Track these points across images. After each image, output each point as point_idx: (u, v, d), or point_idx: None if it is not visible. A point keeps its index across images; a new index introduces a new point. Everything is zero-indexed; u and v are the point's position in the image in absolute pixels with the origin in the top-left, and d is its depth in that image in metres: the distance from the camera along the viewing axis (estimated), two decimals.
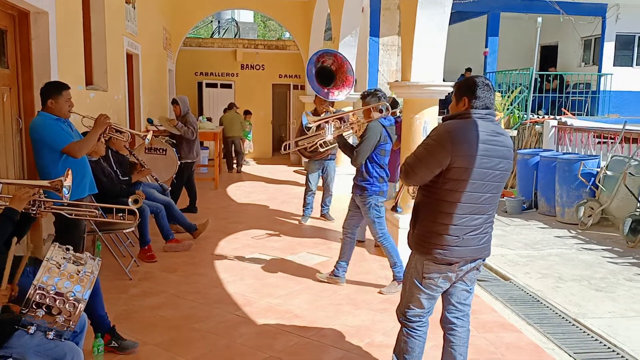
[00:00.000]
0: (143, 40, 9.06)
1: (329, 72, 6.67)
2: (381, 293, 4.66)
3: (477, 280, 5.08)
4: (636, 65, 14.57)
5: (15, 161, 4.62)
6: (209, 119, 11.65)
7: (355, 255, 5.77)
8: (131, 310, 4.16)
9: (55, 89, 3.89)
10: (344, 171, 9.42)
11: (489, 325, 4.05)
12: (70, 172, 3.28)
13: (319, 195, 7.46)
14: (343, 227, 4.95)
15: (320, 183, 7.40)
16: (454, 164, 2.60)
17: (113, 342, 3.41)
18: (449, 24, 5.67)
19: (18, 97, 4.65)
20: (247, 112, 13.22)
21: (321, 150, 6.70)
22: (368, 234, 6.27)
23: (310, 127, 5.05)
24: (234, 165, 12.41)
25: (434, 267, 2.73)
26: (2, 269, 2.45)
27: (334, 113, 5.15)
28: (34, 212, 3.04)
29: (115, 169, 5.27)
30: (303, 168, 12.68)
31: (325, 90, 6.53)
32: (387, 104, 4.60)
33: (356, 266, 5.43)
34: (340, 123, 4.87)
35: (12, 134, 4.54)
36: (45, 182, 3.21)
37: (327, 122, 4.79)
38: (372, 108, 4.54)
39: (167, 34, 12.22)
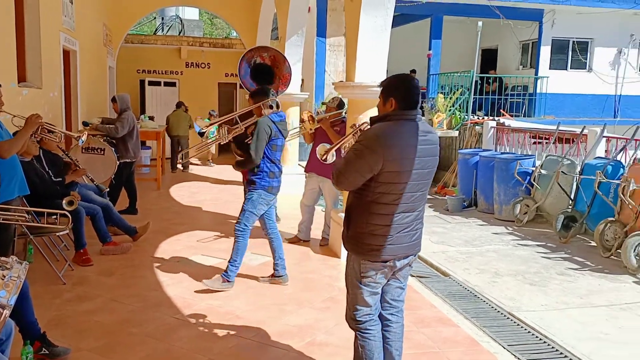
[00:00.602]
0: (81, 36, 8.74)
1: (266, 70, 6.65)
2: (203, 282, 4.60)
3: (419, 277, 5.23)
4: (570, 68, 15.28)
5: None
6: (151, 118, 11.36)
7: (300, 254, 5.80)
8: (64, 316, 4.00)
9: None
10: (292, 171, 9.42)
11: (427, 320, 4.14)
12: None
13: None
14: (263, 230, 4.94)
15: None
16: (386, 168, 2.61)
17: (43, 349, 3.26)
18: (393, 27, 5.77)
19: None
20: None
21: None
22: (313, 234, 6.30)
23: (204, 133, 5.05)
24: (178, 165, 12.17)
25: (370, 266, 2.76)
26: None
27: (222, 117, 5.12)
28: None
29: (47, 169, 5.05)
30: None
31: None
32: (277, 101, 4.66)
33: (300, 266, 5.44)
34: (232, 125, 4.85)
35: None
36: None
37: (220, 125, 4.81)
38: (263, 105, 4.57)
39: (108, 30, 11.85)
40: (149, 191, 9.27)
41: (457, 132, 11.58)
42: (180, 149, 12.12)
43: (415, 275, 5.27)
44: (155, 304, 4.30)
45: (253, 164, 4.57)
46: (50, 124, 4.64)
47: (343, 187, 2.80)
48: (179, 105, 12.44)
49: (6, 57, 5.36)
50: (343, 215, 5.49)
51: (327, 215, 6.19)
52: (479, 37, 12.52)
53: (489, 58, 16.67)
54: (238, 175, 11.69)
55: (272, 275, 4.89)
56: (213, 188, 10.11)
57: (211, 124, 4.88)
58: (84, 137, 4.37)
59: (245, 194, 4.80)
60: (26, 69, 6.36)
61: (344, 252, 5.58)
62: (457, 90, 12.30)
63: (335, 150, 3.41)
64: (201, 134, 5.15)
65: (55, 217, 4.27)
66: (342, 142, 4.82)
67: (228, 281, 4.61)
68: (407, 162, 2.65)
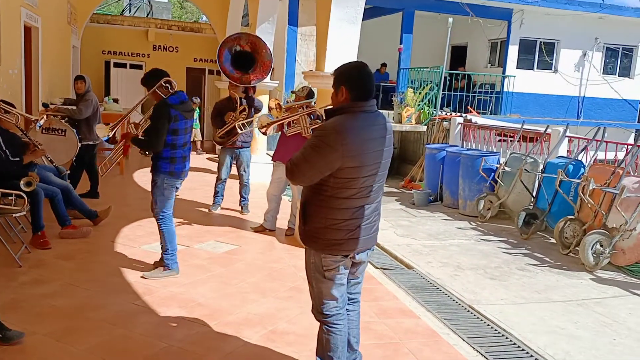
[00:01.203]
0: (44, 13, 8.42)
1: (247, 57, 6.57)
2: (144, 277, 4.46)
3: (382, 268, 5.26)
4: (537, 68, 15.59)
5: None
6: (116, 100, 11.08)
7: (265, 244, 5.77)
8: (19, 299, 3.87)
9: None
10: (260, 160, 9.35)
11: (389, 311, 4.17)
12: None
13: (232, 184, 7.29)
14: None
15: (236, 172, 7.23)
16: (346, 164, 2.56)
17: None
18: (365, 19, 5.78)
19: None
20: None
21: (231, 137, 6.62)
22: (279, 223, 6.27)
23: (110, 139, 4.86)
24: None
25: (331, 259, 2.72)
26: None
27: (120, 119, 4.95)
28: None
29: (4, 148, 4.85)
30: (216, 155, 12.45)
31: (238, 75, 6.44)
32: (172, 81, 4.47)
33: (265, 255, 5.40)
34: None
35: None
36: None
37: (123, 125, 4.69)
38: (157, 89, 4.43)
39: (72, 8, 11.45)
40: (112, 176, 9.01)
41: (425, 127, 11.69)
42: None
43: (379, 267, 5.31)
44: (115, 290, 4.20)
45: (155, 150, 4.43)
46: (7, 104, 4.46)
47: (298, 182, 2.73)
48: None
49: None
50: None
51: (294, 205, 6.16)
52: (449, 33, 12.64)
53: (458, 55, 16.86)
54: (205, 163, 11.57)
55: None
56: None
57: (114, 127, 4.66)
58: (41, 122, 4.19)
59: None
60: None
61: None
62: (427, 85, 12.41)
63: (278, 125, 3.32)
64: (108, 141, 4.95)
65: (11, 197, 4.11)
66: (287, 119, 4.78)
67: (170, 269, 4.54)
68: (367, 157, 2.61)
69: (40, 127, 4.26)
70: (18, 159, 5.00)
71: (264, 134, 4.93)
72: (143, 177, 9.26)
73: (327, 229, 2.67)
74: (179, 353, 3.30)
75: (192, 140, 4.80)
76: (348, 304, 2.93)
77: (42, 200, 4.95)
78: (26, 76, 7.58)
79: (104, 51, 14.23)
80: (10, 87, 6.66)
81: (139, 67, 14.54)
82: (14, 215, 4.62)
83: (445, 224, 7.61)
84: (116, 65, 14.19)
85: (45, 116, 4.31)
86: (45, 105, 7.48)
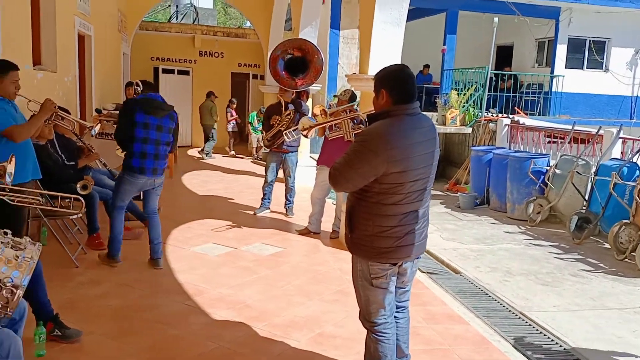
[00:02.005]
0: (96, 22, 8.74)
1: (299, 62, 6.63)
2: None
3: (429, 273, 5.20)
4: (587, 68, 15.10)
5: None
6: None
7: (310, 246, 5.80)
8: (77, 299, 4.02)
9: (1, 69, 3.69)
10: (304, 163, 9.41)
11: (438, 317, 4.11)
12: (13, 157, 3.15)
13: (279, 187, 7.36)
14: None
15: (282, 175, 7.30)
16: (390, 170, 2.50)
17: (56, 330, 3.28)
18: (408, 20, 5.72)
19: None
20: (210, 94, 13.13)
21: (276, 141, 6.69)
22: (323, 226, 6.29)
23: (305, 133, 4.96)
24: (203, 154, 12.66)
25: (379, 267, 2.67)
26: None
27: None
28: None
29: (60, 153, 5.06)
30: (262, 159, 12.61)
31: (291, 80, 6.51)
32: (138, 82, 4.84)
33: (310, 257, 5.43)
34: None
35: None
36: None
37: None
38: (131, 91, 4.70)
39: (123, 16, 11.85)
40: None
41: (471, 129, 11.49)
42: (206, 137, 12.68)
43: (425, 272, 5.25)
44: (166, 290, 4.31)
45: (120, 142, 4.67)
46: (64, 111, 4.64)
47: (342, 188, 2.67)
48: (209, 95, 12.82)
49: (21, 39, 5.37)
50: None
51: (338, 207, 6.17)
52: (494, 33, 12.41)
53: (504, 55, 16.50)
54: (250, 166, 11.74)
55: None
56: (225, 177, 10.12)
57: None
58: (96, 128, 4.36)
59: None
60: (41, 52, 6.37)
61: None
62: (471, 86, 12.20)
63: (320, 128, 3.30)
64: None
65: (69, 200, 4.27)
66: (329, 122, 4.76)
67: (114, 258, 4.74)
68: (412, 161, 2.54)
69: (95, 133, 4.43)
70: (73, 162, 5.20)
71: (305, 136, 4.95)
72: (191, 180, 9.48)
73: (374, 236, 2.61)
74: (229, 354, 3.35)
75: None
76: (397, 311, 2.89)
77: (97, 203, 5.13)
78: (80, 83, 7.88)
79: (152, 57, 14.63)
80: (66, 93, 6.94)
81: (186, 73, 14.90)
82: (70, 217, 4.80)
83: (492, 228, 7.46)
84: (164, 71, 14.57)
85: (99, 123, 4.47)
86: (98, 111, 7.77)
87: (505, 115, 11.82)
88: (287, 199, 7.15)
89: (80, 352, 3.25)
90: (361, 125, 5.26)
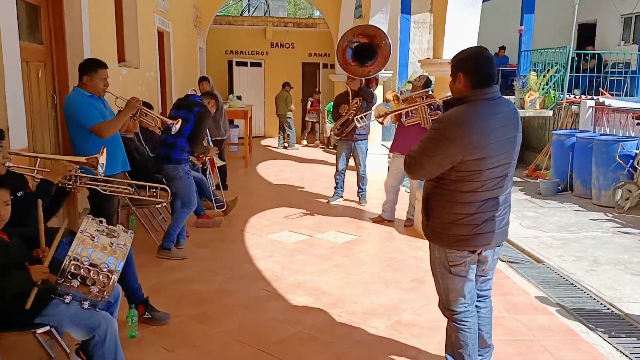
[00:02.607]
0: (174, 18, 9.07)
1: (367, 49, 6.58)
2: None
3: (509, 262, 5.04)
4: None
5: (51, 136, 4.71)
6: (239, 97, 11.67)
7: (384, 234, 5.78)
8: (164, 283, 4.23)
9: (91, 66, 3.91)
10: (376, 151, 9.36)
11: (520, 307, 3.98)
12: (105, 149, 3.34)
13: (352, 175, 7.37)
14: None
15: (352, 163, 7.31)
16: (467, 157, 2.43)
17: (146, 313, 3.48)
18: (483, 1, 5.51)
19: (52, 73, 4.71)
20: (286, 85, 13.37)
21: (345, 129, 6.68)
22: (397, 214, 6.24)
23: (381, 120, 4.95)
24: (284, 143, 12.92)
25: (457, 254, 2.62)
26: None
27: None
28: (70, 186, 3.11)
29: (144, 145, 5.31)
30: (332, 147, 12.69)
31: (353, 65, 6.47)
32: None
33: (385, 245, 5.41)
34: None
35: (47, 109, 4.62)
36: (81, 158, 3.27)
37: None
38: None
39: (198, 12, 12.21)
40: (238, 168, 9.56)
41: (551, 112, 10.96)
42: (281, 127, 12.92)
43: (505, 260, 5.09)
44: (246, 276, 4.45)
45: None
46: (147, 106, 4.83)
47: (418, 176, 2.64)
48: (284, 85, 13.02)
49: (107, 38, 5.67)
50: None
51: (412, 195, 6.10)
52: (575, 10, 11.69)
53: (586, 33, 15.53)
54: (322, 155, 11.83)
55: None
56: (298, 167, 10.26)
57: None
58: (177, 125, 4.52)
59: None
60: (125, 49, 6.69)
61: None
62: (552, 67, 11.61)
63: (395, 115, 3.22)
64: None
65: (155, 190, 4.48)
66: (405, 109, 4.66)
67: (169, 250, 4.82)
68: (490, 148, 2.45)
69: (175, 130, 4.59)
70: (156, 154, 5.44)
71: (381, 123, 4.90)
72: (266, 170, 9.70)
73: (452, 224, 2.56)
74: (309, 339, 3.41)
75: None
76: (478, 300, 2.83)
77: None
78: (160, 78, 8.22)
79: (226, 51, 15.02)
80: (148, 89, 7.26)
81: (259, 64, 15.18)
82: (156, 205, 5.04)
83: (577, 215, 7.10)
84: (238, 64, 14.93)
85: (179, 120, 4.62)
86: None
87: (588, 96, 11.16)
88: (359, 187, 7.15)
89: (169, 334, 3.42)
90: (438, 112, 5.15)
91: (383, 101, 6.57)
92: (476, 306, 2.81)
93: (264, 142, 14.22)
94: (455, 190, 2.53)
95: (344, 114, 6.71)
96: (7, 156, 2.83)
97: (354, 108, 6.61)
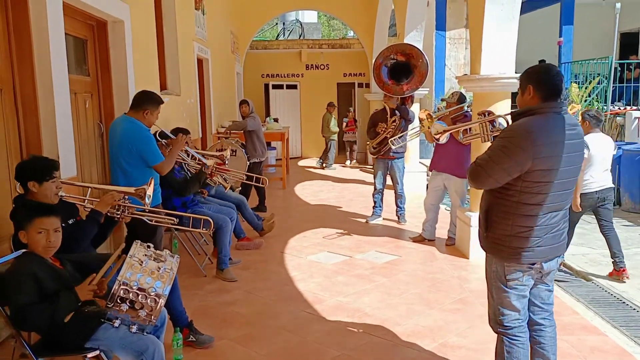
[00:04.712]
0: (212, 45, 9.31)
1: (403, 67, 6.58)
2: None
3: (557, 281, 4.89)
4: None
5: (97, 164, 4.88)
6: (276, 120, 11.84)
7: (425, 254, 5.70)
8: (207, 306, 4.29)
9: (155, 102, 3.93)
10: (413, 169, 9.29)
11: (570, 327, 3.85)
12: (152, 180, 3.43)
13: (390, 194, 7.34)
14: None
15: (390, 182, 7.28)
16: (536, 167, 2.46)
17: (191, 336, 3.52)
18: (520, 14, 5.45)
19: (99, 103, 4.90)
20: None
21: (382, 148, 6.66)
22: (438, 233, 6.16)
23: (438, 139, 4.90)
24: (324, 164, 13.07)
25: (516, 268, 2.62)
26: (94, 266, 2.60)
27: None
28: (118, 216, 3.21)
29: (187, 169, 5.41)
30: (370, 166, 12.68)
31: (395, 86, 6.47)
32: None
33: (426, 265, 5.34)
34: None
35: (94, 138, 4.80)
36: (130, 189, 3.36)
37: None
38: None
39: (235, 38, 12.51)
40: (276, 190, 9.65)
41: None
42: (326, 148, 13.06)
43: None
44: (288, 298, 4.46)
45: None
46: (184, 133, 4.91)
47: (483, 185, 2.63)
48: (327, 106, 13.23)
49: (150, 68, 5.86)
50: (471, 214, 5.34)
51: (453, 214, 6.01)
52: (617, 19, 11.42)
53: (629, 42, 15.12)
54: (358, 174, 11.83)
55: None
56: (335, 186, 10.28)
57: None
58: (227, 154, 4.63)
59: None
60: (166, 77, 6.91)
61: (472, 253, 5.41)
62: (594, 79, 11.33)
63: (451, 134, 3.24)
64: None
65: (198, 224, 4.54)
66: (463, 126, 4.62)
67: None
68: (556, 160, 2.48)
69: (227, 161, 4.71)
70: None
71: (437, 140, 4.87)
72: (304, 190, 9.75)
73: (513, 237, 2.57)
74: None
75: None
76: (543, 318, 2.78)
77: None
78: (200, 104, 8.43)
79: (263, 74, 15.30)
80: (189, 115, 7.46)
81: (294, 87, 15.39)
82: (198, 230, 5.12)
83: (626, 231, 6.84)
84: (274, 87, 15.18)
85: (227, 148, 4.73)
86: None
87: (634, 107, 10.83)
88: (397, 205, 7.10)
89: (212, 357, 3.46)
90: (500, 128, 5.10)
91: (419, 121, 6.54)
92: (539, 325, 2.78)
93: (300, 162, 14.33)
94: (520, 202, 2.54)
95: (382, 132, 6.70)
96: (60, 186, 2.95)
97: (392, 127, 6.61)
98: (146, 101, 3.90)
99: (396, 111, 6.67)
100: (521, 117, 2.58)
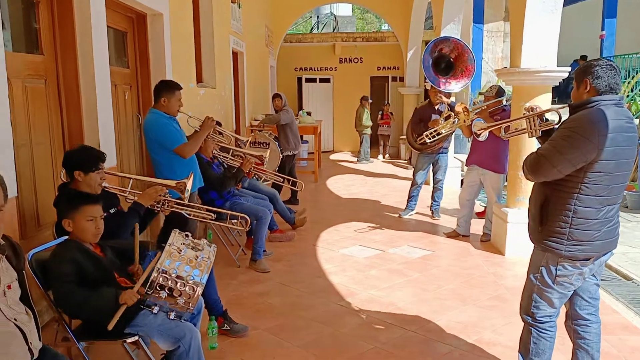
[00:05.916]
0: (247, 39, 9.38)
1: (446, 61, 6.47)
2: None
3: None
4: None
5: (136, 155, 4.98)
6: (309, 113, 11.85)
7: (459, 249, 5.64)
8: (241, 296, 4.33)
9: (170, 88, 4.07)
10: (448, 164, 9.16)
11: (610, 327, 3.75)
12: (192, 174, 3.49)
13: (423, 189, 7.26)
14: None
15: (430, 176, 7.19)
16: (599, 157, 2.43)
17: (225, 325, 3.57)
18: (563, 6, 5.31)
19: (137, 95, 4.99)
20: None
21: (430, 142, 6.57)
22: (473, 229, 6.08)
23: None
24: (359, 158, 13.01)
25: (569, 264, 2.59)
26: (132, 253, 2.66)
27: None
28: (158, 208, 3.27)
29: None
30: (404, 161, 12.59)
31: (443, 80, 6.36)
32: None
33: (461, 261, 5.27)
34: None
35: (133, 129, 4.89)
36: (172, 182, 3.43)
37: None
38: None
39: (269, 32, 12.56)
40: (308, 183, 9.65)
41: (638, 120, 10.33)
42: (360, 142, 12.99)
43: None
44: (320, 290, 4.47)
45: None
46: (221, 128, 4.96)
47: (545, 176, 2.58)
48: (361, 99, 13.08)
49: (187, 60, 5.94)
50: (508, 210, 5.24)
51: (489, 209, 5.92)
52: None
53: None
54: (391, 169, 11.76)
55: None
56: (368, 181, 10.24)
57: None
58: (266, 156, 4.75)
59: None
60: (202, 70, 6.99)
61: (508, 249, 5.32)
62: (637, 73, 10.97)
63: (491, 131, 3.21)
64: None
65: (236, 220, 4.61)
66: (505, 123, 4.55)
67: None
68: (618, 151, 2.46)
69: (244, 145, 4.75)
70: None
71: (478, 137, 4.79)
72: (336, 184, 9.75)
73: (572, 230, 2.54)
74: (386, 355, 3.37)
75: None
76: (590, 313, 2.77)
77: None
78: (235, 96, 8.50)
79: (296, 68, 15.33)
80: (224, 107, 7.53)
81: (327, 80, 15.36)
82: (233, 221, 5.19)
83: None
84: (307, 80, 15.19)
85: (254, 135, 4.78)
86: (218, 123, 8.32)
87: None
88: (434, 199, 7.01)
89: (246, 347, 3.49)
90: (549, 122, 4.99)
91: (454, 113, 6.42)
92: (586, 320, 2.76)
93: (332, 156, 14.32)
94: (580, 194, 2.52)
95: (438, 127, 6.54)
96: (104, 177, 3.02)
97: (449, 122, 6.48)
98: (161, 89, 4.05)
99: (447, 106, 6.51)
100: (580, 110, 2.55)
